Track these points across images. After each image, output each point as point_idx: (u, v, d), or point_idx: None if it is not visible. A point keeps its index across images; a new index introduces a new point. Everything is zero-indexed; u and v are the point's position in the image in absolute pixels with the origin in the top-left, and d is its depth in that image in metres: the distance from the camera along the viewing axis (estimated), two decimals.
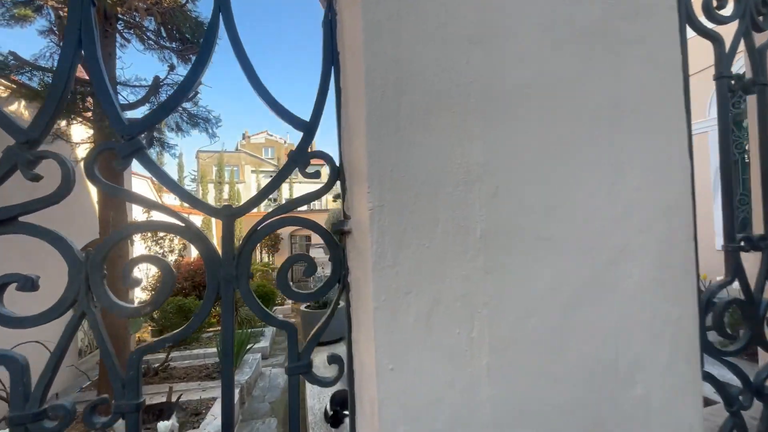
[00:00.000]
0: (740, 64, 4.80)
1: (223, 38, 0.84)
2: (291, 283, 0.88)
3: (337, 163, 0.91)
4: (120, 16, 5.19)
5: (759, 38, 1.12)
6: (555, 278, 0.80)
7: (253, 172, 37.00)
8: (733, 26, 1.08)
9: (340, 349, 4.45)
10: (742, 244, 1.05)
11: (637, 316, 0.85)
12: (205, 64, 0.82)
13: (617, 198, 0.85)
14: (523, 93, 0.80)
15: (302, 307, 5.91)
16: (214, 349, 7.03)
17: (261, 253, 23.08)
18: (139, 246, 9.10)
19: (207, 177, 32.26)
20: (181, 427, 4.32)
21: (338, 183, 0.90)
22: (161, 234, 9.57)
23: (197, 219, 20.16)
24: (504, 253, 0.77)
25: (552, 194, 0.81)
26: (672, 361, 0.87)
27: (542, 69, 0.81)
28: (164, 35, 5.83)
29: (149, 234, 9.16)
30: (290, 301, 15.36)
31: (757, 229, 1.15)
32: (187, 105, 5.74)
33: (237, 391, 5.27)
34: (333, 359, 0.88)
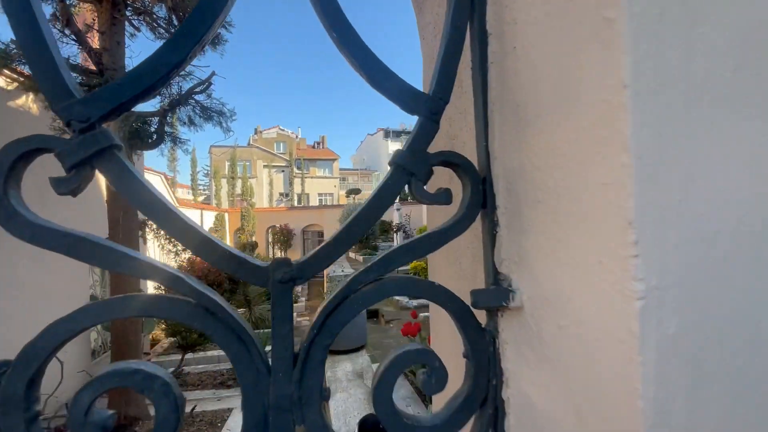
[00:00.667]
0: None
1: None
2: (398, 409, 0.48)
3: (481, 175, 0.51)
4: (128, 2, 4.85)
5: None
6: None
7: (265, 167, 36.91)
8: None
9: (361, 359, 4.02)
10: None
11: None
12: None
13: None
14: None
15: None
16: None
17: (274, 248, 22.97)
18: (152, 244, 8.88)
19: (220, 172, 32.24)
20: None
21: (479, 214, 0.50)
22: None
23: (211, 214, 20.07)
24: None
25: None
26: None
27: None
28: (175, 23, 5.48)
29: (162, 232, 8.91)
30: (304, 299, 15.10)
31: None
32: (200, 97, 5.40)
33: None
34: None
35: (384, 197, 0.45)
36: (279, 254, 21.59)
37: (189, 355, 6.45)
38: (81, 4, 4.57)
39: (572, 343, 0.39)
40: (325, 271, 15.11)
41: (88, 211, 6.19)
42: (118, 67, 4.31)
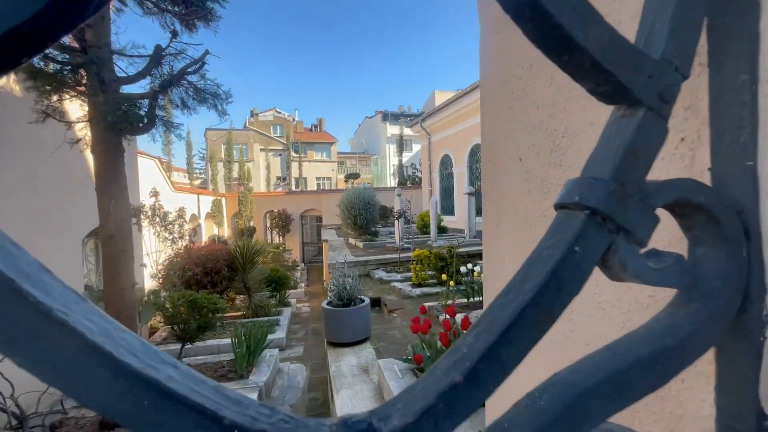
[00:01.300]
0: None
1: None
2: None
3: None
4: None
5: None
6: None
7: (262, 150, 36.34)
8: None
9: (366, 352, 3.81)
10: None
11: None
12: None
13: None
14: None
15: (324, 305, 5.40)
16: (228, 341, 6.62)
17: (272, 233, 22.76)
18: (147, 232, 8.64)
19: (216, 156, 31.66)
20: None
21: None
22: (171, 218, 9.09)
23: (208, 199, 19.76)
24: None
25: None
26: None
27: None
28: None
29: (157, 219, 8.67)
30: (303, 285, 15.02)
31: None
32: (193, 78, 5.06)
33: (256, 395, 4.84)
34: None
35: (563, 283, 0.22)
36: (277, 239, 21.43)
37: (187, 345, 6.31)
38: None
39: None
40: (324, 255, 14.98)
41: (78, 199, 5.92)
42: (103, 44, 3.98)
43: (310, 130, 46.72)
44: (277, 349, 6.62)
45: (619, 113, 0.23)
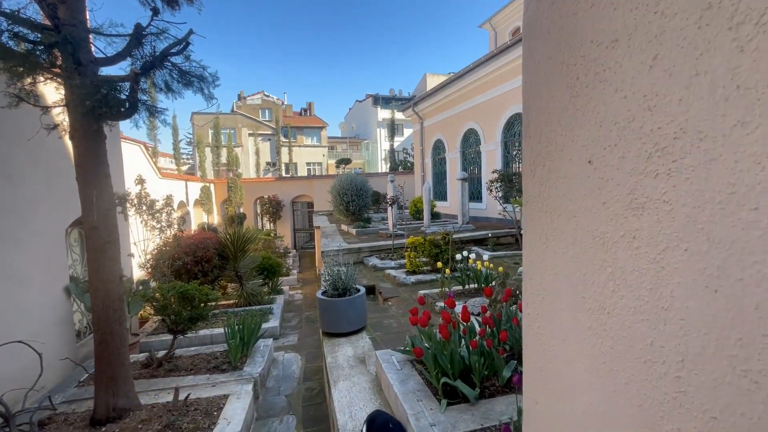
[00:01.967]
0: None
1: None
2: None
3: None
4: None
5: None
6: None
7: (250, 135, 35.57)
8: None
9: (362, 342, 3.73)
10: None
11: None
12: None
13: None
14: None
15: (319, 294, 5.30)
16: (221, 330, 6.51)
17: (263, 220, 22.47)
18: (134, 221, 8.37)
19: (203, 141, 30.86)
20: None
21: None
22: (158, 206, 8.82)
23: (196, 186, 19.31)
24: None
25: None
26: None
27: None
28: None
29: (144, 207, 8.40)
30: (296, 272, 14.90)
31: None
32: (177, 60, 4.78)
33: (251, 386, 4.77)
34: None
35: None
36: (269, 226, 21.17)
37: (180, 336, 6.19)
38: None
39: None
40: (317, 242, 14.83)
41: (60, 187, 5.65)
42: (78, 22, 3.68)
43: (300, 114, 45.83)
44: (271, 339, 6.54)
45: None
